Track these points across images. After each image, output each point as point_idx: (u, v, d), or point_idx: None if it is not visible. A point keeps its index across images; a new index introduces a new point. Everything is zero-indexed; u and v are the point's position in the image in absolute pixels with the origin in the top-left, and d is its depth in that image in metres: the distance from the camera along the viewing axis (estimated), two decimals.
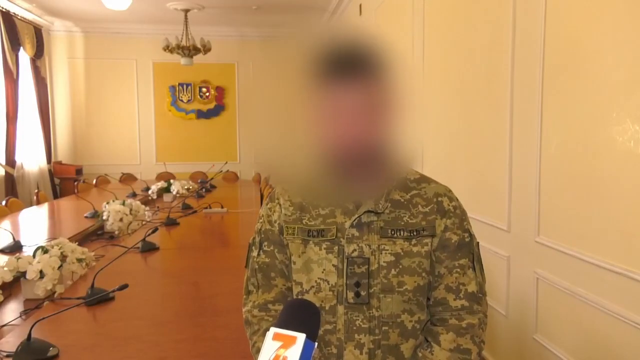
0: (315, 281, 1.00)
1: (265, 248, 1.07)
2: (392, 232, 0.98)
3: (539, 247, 2.23)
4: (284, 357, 0.62)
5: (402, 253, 0.98)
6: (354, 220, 0.98)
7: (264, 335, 1.00)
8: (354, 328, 0.98)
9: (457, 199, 1.05)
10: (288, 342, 0.64)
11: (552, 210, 2.14)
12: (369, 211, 0.98)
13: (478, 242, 1.05)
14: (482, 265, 1.05)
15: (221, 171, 6.35)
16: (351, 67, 0.89)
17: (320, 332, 0.99)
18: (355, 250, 0.98)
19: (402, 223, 0.99)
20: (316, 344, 0.66)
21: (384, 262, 0.98)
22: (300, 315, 0.72)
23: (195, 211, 3.94)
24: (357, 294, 0.97)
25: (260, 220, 1.10)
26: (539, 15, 2.16)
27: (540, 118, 2.17)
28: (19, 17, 6.51)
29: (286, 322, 0.69)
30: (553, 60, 2.09)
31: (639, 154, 1.62)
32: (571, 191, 1.99)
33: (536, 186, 2.22)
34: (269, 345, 0.64)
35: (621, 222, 1.72)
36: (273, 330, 0.65)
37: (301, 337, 0.64)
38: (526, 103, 2.29)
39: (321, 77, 0.91)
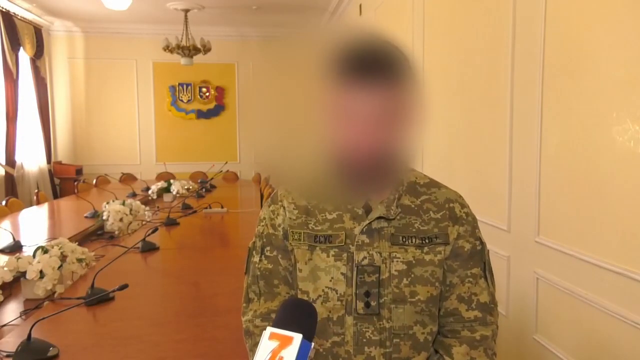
0: (323, 290, 0.94)
1: (268, 253, 1.01)
2: (404, 239, 0.94)
3: (539, 247, 2.23)
4: (280, 357, 0.62)
5: (414, 261, 0.94)
6: (364, 227, 0.94)
7: None
8: (364, 340, 0.93)
9: (468, 206, 1.01)
10: (284, 342, 0.63)
11: (552, 210, 2.14)
12: (380, 217, 0.94)
13: (489, 250, 1.02)
14: (492, 274, 1.01)
15: (221, 171, 6.35)
16: (375, 69, 0.83)
17: (328, 344, 0.95)
18: (365, 257, 0.93)
19: (414, 230, 0.95)
20: (313, 344, 0.65)
21: (395, 270, 0.93)
22: (297, 315, 0.70)
23: (195, 211, 3.94)
24: (367, 304, 0.93)
25: (262, 224, 1.03)
26: (539, 15, 2.16)
27: (540, 118, 2.17)
28: (19, 17, 6.51)
29: (282, 321, 0.68)
30: (553, 60, 2.09)
31: (639, 153, 1.62)
32: (571, 191, 1.99)
33: (536, 186, 2.22)
34: (265, 345, 0.63)
35: (621, 222, 1.72)
36: (269, 329, 0.64)
37: (297, 338, 0.63)
38: (526, 103, 2.29)
39: (340, 77, 0.85)
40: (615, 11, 1.73)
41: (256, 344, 0.96)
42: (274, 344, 0.63)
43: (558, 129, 2.07)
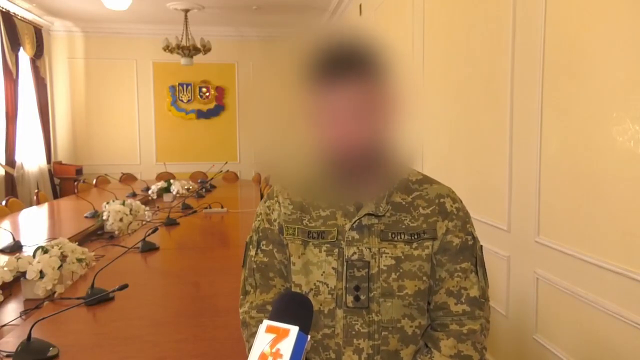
0: (315, 284, 0.98)
1: (264, 247, 1.04)
2: (393, 236, 0.96)
3: (539, 247, 2.23)
4: (276, 350, 0.62)
5: (402, 257, 0.96)
6: (354, 223, 0.96)
7: None
8: (353, 333, 0.96)
9: (461, 201, 1.02)
10: (281, 335, 0.64)
11: (552, 210, 2.14)
12: (369, 214, 0.96)
13: (481, 246, 1.03)
14: (485, 269, 1.02)
15: (221, 171, 6.36)
16: (346, 66, 0.86)
17: (319, 336, 0.97)
18: (355, 253, 0.96)
19: (403, 226, 0.97)
20: (309, 336, 0.66)
21: (384, 265, 0.95)
22: (293, 308, 0.72)
23: (195, 211, 3.95)
24: (357, 298, 0.95)
25: (258, 219, 1.07)
26: (539, 15, 2.16)
27: (540, 118, 2.17)
28: (19, 17, 6.51)
29: (279, 314, 0.69)
30: (553, 60, 2.09)
31: (639, 153, 1.62)
32: (571, 191, 1.99)
33: (536, 186, 2.22)
34: (262, 338, 0.64)
35: (621, 222, 1.72)
36: (266, 322, 0.65)
37: (294, 330, 0.64)
38: (526, 103, 2.29)
39: (317, 77, 0.88)
40: (615, 11, 1.73)
41: (252, 335, 1.00)
42: (271, 336, 0.64)
43: (558, 129, 2.07)
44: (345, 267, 0.96)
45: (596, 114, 1.83)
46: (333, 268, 0.97)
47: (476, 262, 1.00)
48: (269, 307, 1.02)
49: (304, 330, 0.65)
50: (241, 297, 1.07)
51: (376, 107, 0.89)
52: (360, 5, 5.48)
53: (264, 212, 1.06)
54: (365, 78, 0.87)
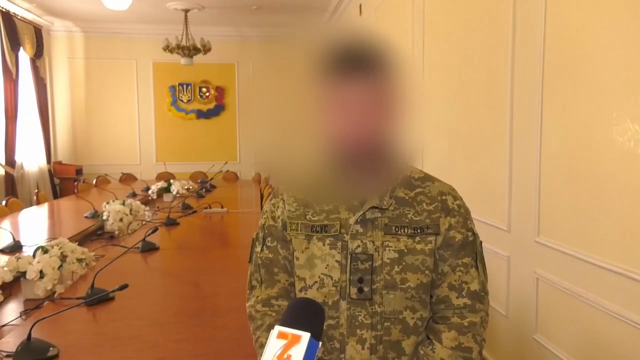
0: (319, 277, 1.01)
1: (269, 244, 1.08)
2: (396, 229, 0.99)
3: (539, 247, 2.23)
4: (288, 356, 0.62)
5: (405, 250, 0.99)
6: (359, 217, 0.99)
7: (267, 330, 1.01)
8: (357, 323, 0.99)
9: (461, 198, 1.06)
10: (292, 341, 0.64)
11: (552, 210, 2.14)
12: (373, 207, 0.99)
13: (481, 241, 1.06)
14: (484, 264, 1.06)
15: (221, 171, 6.36)
16: (359, 64, 0.91)
17: (324, 326, 1.00)
18: (359, 246, 0.99)
19: (407, 220, 1.00)
20: (320, 343, 0.66)
21: (387, 258, 0.98)
22: (305, 314, 0.73)
23: (195, 211, 3.94)
24: (360, 290, 0.99)
25: (264, 216, 1.11)
26: (539, 15, 2.16)
27: (540, 118, 2.17)
28: (19, 17, 6.51)
29: (291, 320, 0.69)
30: (553, 60, 2.09)
31: (639, 154, 1.62)
32: (571, 191, 1.99)
33: (536, 186, 2.22)
34: (274, 343, 0.64)
35: (621, 222, 1.72)
36: (278, 328, 0.66)
37: (305, 336, 0.64)
38: (526, 103, 2.29)
39: (329, 73, 0.92)
40: (615, 11, 1.73)
41: (257, 328, 1.05)
42: (282, 342, 0.64)
43: (558, 129, 2.07)
44: (349, 260, 0.99)
45: (596, 114, 1.83)
46: (337, 261, 1.00)
47: (476, 257, 1.04)
48: (274, 302, 1.06)
49: (315, 337, 0.65)
50: (248, 291, 1.11)
51: (383, 103, 0.93)
52: (360, 5, 5.48)
53: (269, 210, 1.10)
54: (374, 75, 0.91)
